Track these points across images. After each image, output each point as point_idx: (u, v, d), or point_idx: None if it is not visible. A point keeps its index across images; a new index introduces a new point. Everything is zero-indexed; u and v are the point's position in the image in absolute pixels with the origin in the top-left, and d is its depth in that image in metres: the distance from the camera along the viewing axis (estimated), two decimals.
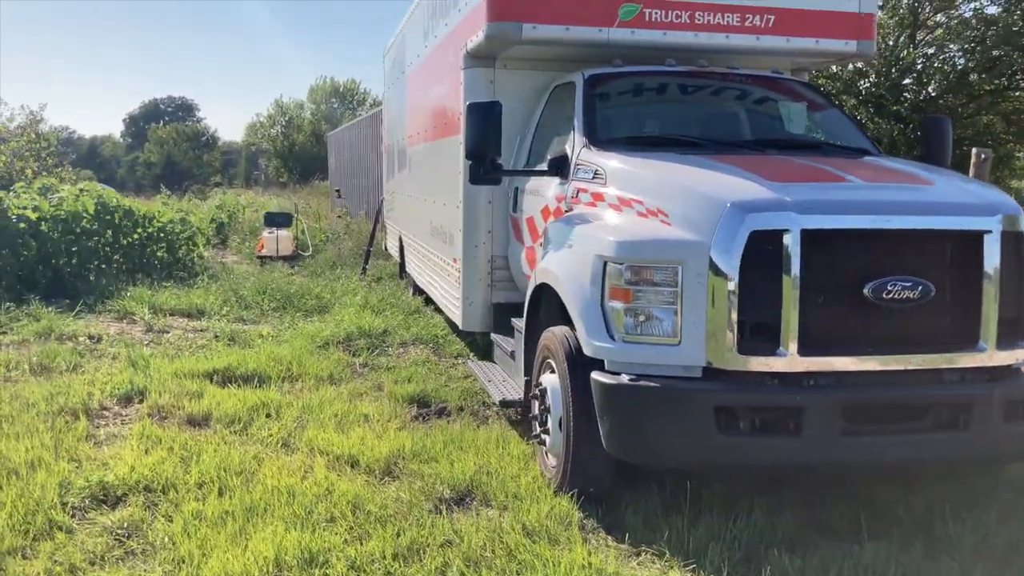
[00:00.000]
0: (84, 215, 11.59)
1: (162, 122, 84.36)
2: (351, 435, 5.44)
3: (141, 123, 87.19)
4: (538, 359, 4.97)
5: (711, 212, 3.94)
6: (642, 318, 4.03)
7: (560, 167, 5.32)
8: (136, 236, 12.58)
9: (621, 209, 4.53)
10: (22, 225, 10.18)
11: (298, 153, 57.75)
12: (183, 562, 3.70)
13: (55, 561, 3.66)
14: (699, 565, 3.75)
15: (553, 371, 4.70)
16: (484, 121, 5.27)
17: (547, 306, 5.12)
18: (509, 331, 6.44)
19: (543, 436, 4.76)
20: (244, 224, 19.83)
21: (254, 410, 5.95)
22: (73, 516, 4.16)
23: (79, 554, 3.74)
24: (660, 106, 5.82)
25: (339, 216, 17.88)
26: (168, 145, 74.57)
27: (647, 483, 4.57)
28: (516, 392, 5.64)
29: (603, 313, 4.13)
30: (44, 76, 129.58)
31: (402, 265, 11.93)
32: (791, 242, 3.81)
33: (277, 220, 15.24)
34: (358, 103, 58.84)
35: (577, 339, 4.41)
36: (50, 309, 9.22)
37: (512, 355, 5.93)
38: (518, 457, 5.09)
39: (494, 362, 6.58)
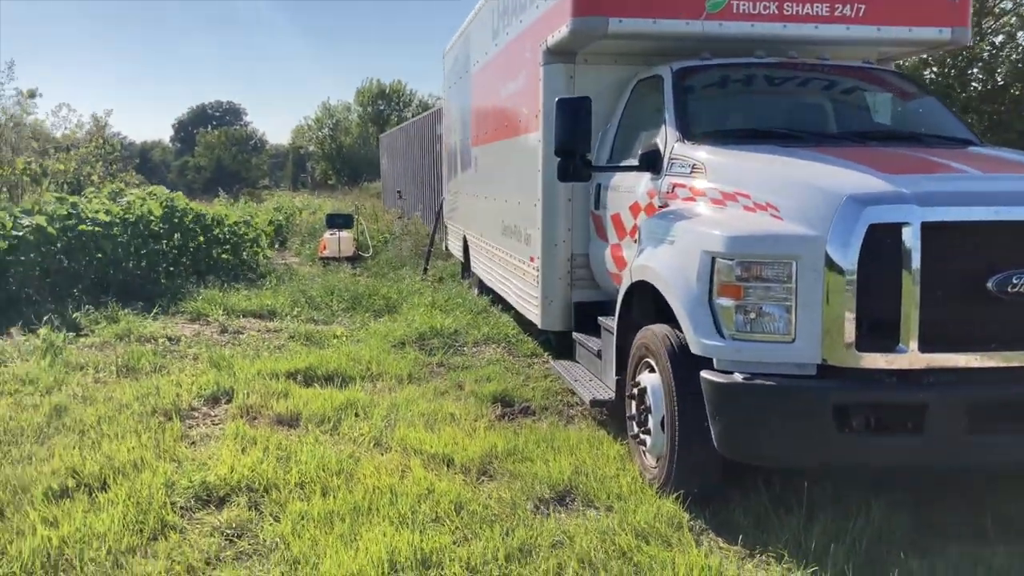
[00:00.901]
0: (152, 218, 11.77)
1: (210, 127, 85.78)
2: (441, 434, 5.42)
3: (190, 128, 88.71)
4: (633, 358, 4.90)
5: (827, 205, 3.84)
6: (753, 315, 3.94)
7: (652, 162, 5.24)
8: (202, 239, 12.75)
9: (725, 204, 4.43)
10: (96, 229, 10.35)
11: (345, 155, 58.31)
12: (298, 563, 3.69)
13: (173, 560, 3.68)
14: (821, 568, 3.65)
15: (652, 370, 4.63)
16: (574, 117, 5.21)
17: (641, 304, 5.05)
18: (591, 330, 6.39)
19: (643, 436, 4.69)
20: (301, 226, 20.00)
21: (342, 409, 5.97)
22: (182, 516, 4.18)
23: (195, 554, 3.76)
24: (752, 98, 5.71)
25: (399, 216, 17.93)
26: (217, 149, 75.77)
27: (753, 482, 4.47)
28: (605, 391, 5.57)
29: (711, 310, 4.04)
30: (94, 85, 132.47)
31: (465, 265, 11.93)
32: (911, 235, 3.69)
33: (338, 221, 15.34)
34: (404, 104, 59.08)
35: (680, 337, 4.34)
36: (126, 311, 9.35)
37: (599, 354, 5.86)
38: (613, 457, 5.02)
39: (576, 361, 6.51)
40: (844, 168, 4.12)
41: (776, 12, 5.76)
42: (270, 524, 4.10)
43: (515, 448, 5.17)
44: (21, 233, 9.57)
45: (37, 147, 13.47)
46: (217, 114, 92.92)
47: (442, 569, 3.65)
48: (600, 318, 5.84)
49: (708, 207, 4.53)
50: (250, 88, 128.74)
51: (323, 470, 4.74)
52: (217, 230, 13.07)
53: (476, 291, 11.12)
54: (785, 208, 4.05)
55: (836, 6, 5.80)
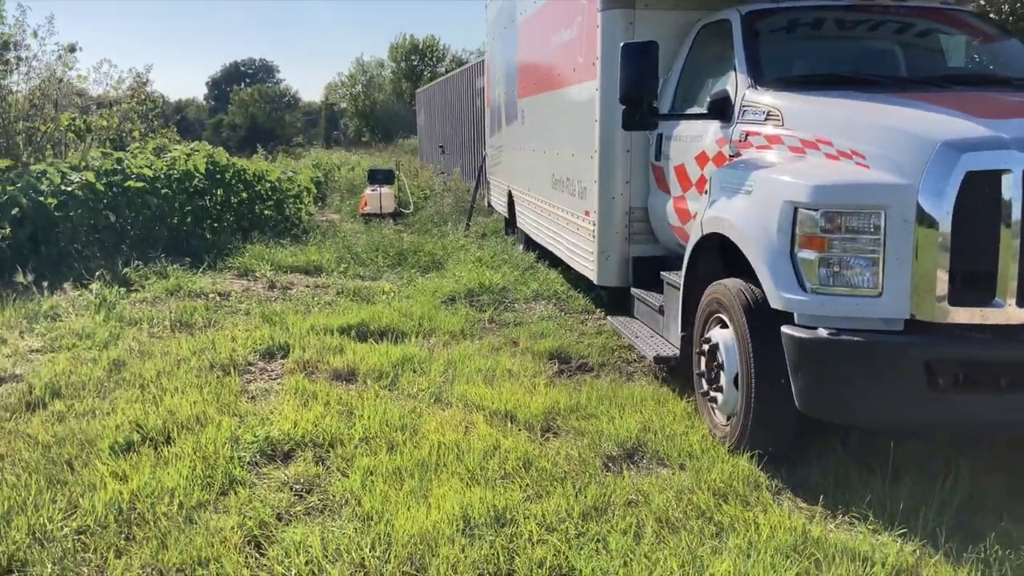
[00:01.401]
0: (196, 174, 11.73)
1: (243, 84, 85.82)
2: (501, 390, 5.33)
3: (223, 86, 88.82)
4: (703, 314, 4.75)
5: (919, 152, 3.64)
6: (838, 268, 3.77)
7: (721, 110, 5.04)
8: (245, 195, 12.71)
9: (805, 152, 4.24)
10: (142, 185, 10.32)
11: (379, 112, 58.04)
12: (370, 519, 3.63)
13: (245, 516, 3.64)
14: (910, 530, 3.52)
15: (725, 326, 4.48)
16: (640, 62, 5.02)
17: (709, 257, 4.89)
18: (650, 285, 6.24)
19: (713, 393, 4.56)
20: (340, 182, 19.92)
21: (399, 365, 5.90)
22: (249, 471, 4.14)
23: (265, 509, 3.71)
24: (825, 43, 5.46)
25: (441, 172, 17.77)
26: (251, 107, 75.80)
27: (828, 441, 4.34)
28: (669, 348, 5.44)
29: (793, 263, 3.88)
30: (125, 42, 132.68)
31: (510, 221, 11.79)
32: (1012, 184, 3.49)
33: (379, 177, 15.23)
34: (437, 60, 58.53)
35: (756, 291, 4.19)
36: (175, 267, 9.35)
37: (660, 310, 5.72)
38: (680, 415, 4.91)
39: (634, 317, 6.38)
40: (936, 113, 3.91)
41: None
42: (338, 479, 4.04)
43: (578, 405, 5.07)
44: (71, 189, 9.55)
45: (80, 103, 13.45)
46: (250, 71, 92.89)
47: (517, 526, 3.56)
48: (663, 273, 5.68)
49: (786, 155, 4.34)
50: (283, 45, 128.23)
51: (386, 425, 4.67)
52: (259, 186, 13.02)
53: (521, 247, 10.99)
54: (872, 156, 3.85)
55: None
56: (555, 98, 8.07)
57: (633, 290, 6.36)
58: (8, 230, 8.75)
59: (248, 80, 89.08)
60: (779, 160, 4.31)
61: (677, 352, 5.28)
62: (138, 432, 4.50)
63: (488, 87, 13.27)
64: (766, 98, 4.70)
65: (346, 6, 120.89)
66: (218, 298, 8.15)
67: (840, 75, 4.88)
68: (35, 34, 12.35)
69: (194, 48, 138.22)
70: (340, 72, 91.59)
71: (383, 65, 60.23)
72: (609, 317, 6.57)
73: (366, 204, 15.04)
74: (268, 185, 13.10)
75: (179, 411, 4.81)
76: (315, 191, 14.89)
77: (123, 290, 8.22)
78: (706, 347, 4.64)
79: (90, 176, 9.88)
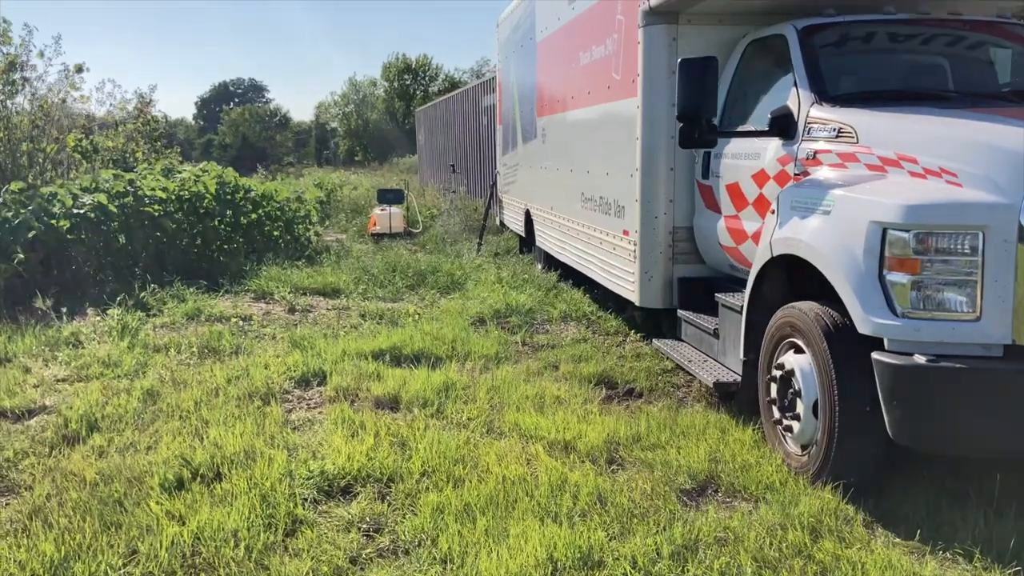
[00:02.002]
0: (207, 195, 11.52)
1: (232, 104, 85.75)
2: (555, 418, 5.14)
3: (212, 105, 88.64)
4: (771, 338, 4.57)
5: (1019, 170, 3.49)
6: (931, 291, 3.61)
7: (783, 127, 4.88)
8: (254, 216, 12.48)
9: (885, 170, 4.08)
10: (156, 207, 10.11)
11: (372, 131, 57.99)
12: (450, 561, 3.43)
13: (318, 560, 3.42)
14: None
15: (800, 351, 4.30)
16: (699, 79, 4.88)
17: (773, 280, 4.72)
18: (695, 306, 6.07)
19: (788, 422, 4.38)
20: (343, 202, 19.72)
21: (442, 391, 5.70)
22: (310, 509, 3.93)
23: (337, 552, 3.49)
24: (887, 57, 5.31)
25: (452, 190, 17.59)
26: (242, 126, 75.68)
27: (910, 469, 4.16)
28: (727, 373, 5.26)
29: (882, 286, 3.71)
30: (117, 62, 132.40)
31: (526, 239, 11.62)
32: None
33: (389, 197, 15.04)
34: (430, 79, 58.59)
35: (835, 315, 4.02)
36: (191, 290, 9.13)
37: (715, 333, 5.54)
38: (747, 443, 4.72)
39: (681, 340, 6.20)
40: None
41: None
42: (406, 518, 3.83)
43: (638, 434, 4.88)
44: (83, 211, 9.33)
45: (86, 124, 13.21)
46: (239, 91, 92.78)
47: (607, 568, 3.37)
48: (717, 295, 5.51)
49: (865, 174, 4.17)
50: (272, 65, 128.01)
51: (443, 458, 4.46)
52: (268, 207, 12.80)
53: (540, 266, 10.83)
54: (965, 174, 3.69)
55: None
56: (585, 116, 7.92)
57: (680, 312, 6.18)
58: (21, 254, 8.51)
59: (237, 100, 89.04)
60: (858, 178, 4.14)
61: (738, 377, 5.10)
62: (187, 468, 4.28)
63: (500, 105, 13.13)
64: (836, 115, 4.55)
65: (336, 27, 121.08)
66: (241, 322, 7.93)
67: (909, 90, 4.75)
68: (41, 54, 12.11)
69: (182, 68, 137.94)
70: (332, 91, 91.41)
71: (376, 84, 60.24)
72: (655, 340, 6.38)
73: (375, 224, 14.85)
74: (277, 206, 12.89)
75: (226, 445, 4.59)
76: (321, 211, 14.67)
77: (142, 315, 7.99)
78: (778, 373, 4.46)
79: (102, 198, 9.66)
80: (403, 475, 4.28)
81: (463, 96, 19.22)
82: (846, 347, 3.92)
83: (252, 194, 12.32)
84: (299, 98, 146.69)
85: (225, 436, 4.71)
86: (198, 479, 4.19)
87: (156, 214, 10.24)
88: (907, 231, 3.61)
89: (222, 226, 11.83)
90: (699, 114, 4.90)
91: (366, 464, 4.38)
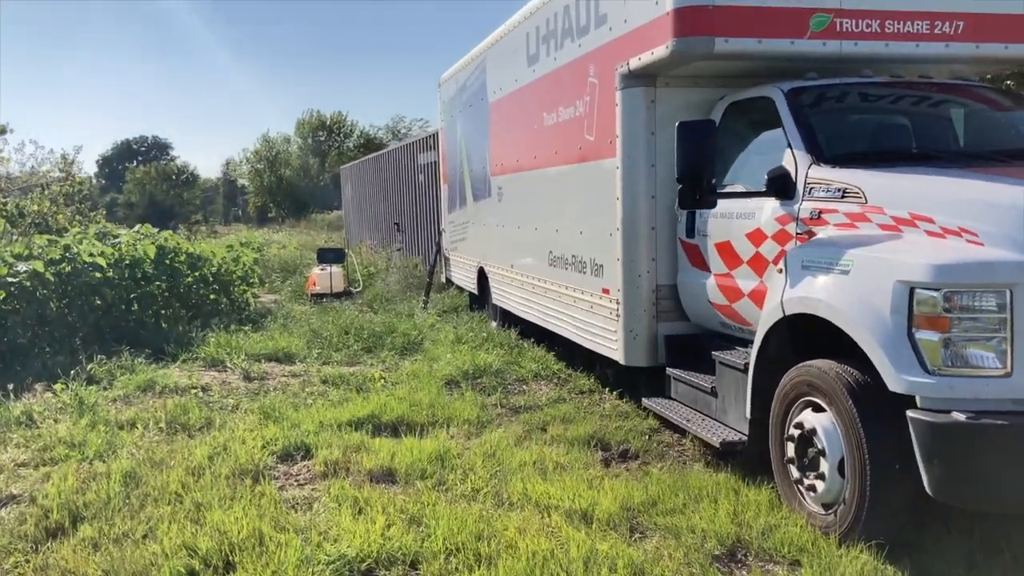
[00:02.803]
0: (145, 260, 11.08)
1: (135, 162, 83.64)
2: (563, 485, 5.02)
3: (115, 164, 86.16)
4: (784, 396, 4.58)
5: None
6: (962, 348, 3.67)
7: (781, 187, 4.96)
8: (190, 279, 12.06)
9: (900, 229, 4.17)
10: (96, 274, 9.64)
11: (286, 187, 57.18)
12: None
13: None
14: None
15: (818, 409, 4.32)
16: (699, 141, 4.94)
17: (778, 338, 4.75)
18: (687, 364, 6.08)
19: (810, 481, 4.37)
20: (273, 261, 19.26)
21: (436, 461, 5.52)
22: None
23: None
24: (875, 118, 5.50)
25: (398, 248, 17.37)
26: (148, 185, 73.72)
27: (938, 525, 4.19)
28: (731, 433, 5.25)
29: (912, 345, 3.76)
30: (8, 116, 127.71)
31: (479, 297, 11.53)
32: None
33: (329, 256, 14.75)
34: (345, 135, 58.36)
35: (857, 373, 4.07)
36: (139, 359, 8.70)
37: (712, 391, 5.54)
38: (764, 504, 4.69)
39: (671, 398, 6.17)
40: None
41: (878, 30, 5.58)
42: None
43: (653, 499, 4.80)
44: (17, 279, 8.82)
45: (5, 187, 12.59)
46: (143, 149, 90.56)
47: None
48: (715, 353, 5.52)
49: (879, 233, 4.26)
50: (175, 122, 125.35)
51: (464, 534, 4.28)
52: (204, 269, 12.38)
53: (495, 323, 10.73)
54: (985, 233, 3.80)
55: (936, 23, 5.65)
56: (552, 175, 7.94)
57: (670, 370, 6.17)
58: None
59: (141, 158, 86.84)
60: (873, 238, 4.22)
61: (744, 437, 5.09)
62: (193, 558, 3.99)
63: (444, 163, 13.11)
64: (839, 175, 4.65)
65: (243, 83, 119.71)
66: (201, 393, 7.56)
67: (903, 150, 4.90)
68: None
69: (81, 127, 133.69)
70: (244, 148, 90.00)
71: (289, 141, 59.55)
72: (645, 400, 6.34)
73: (315, 284, 14.53)
74: (214, 268, 12.48)
75: (230, 530, 4.29)
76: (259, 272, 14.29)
77: (92, 388, 7.54)
78: (796, 432, 4.46)
79: (38, 265, 9.16)
80: (427, 556, 4.08)
81: (397, 153, 19.15)
82: (874, 405, 3.96)
83: (190, 257, 11.90)
84: (205, 155, 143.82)
85: (226, 521, 4.41)
86: (210, 570, 3.91)
87: (95, 281, 9.77)
88: (936, 290, 3.67)
89: (159, 291, 11.38)
90: (700, 176, 4.95)
91: (384, 545, 4.16)
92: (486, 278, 10.82)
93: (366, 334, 10.16)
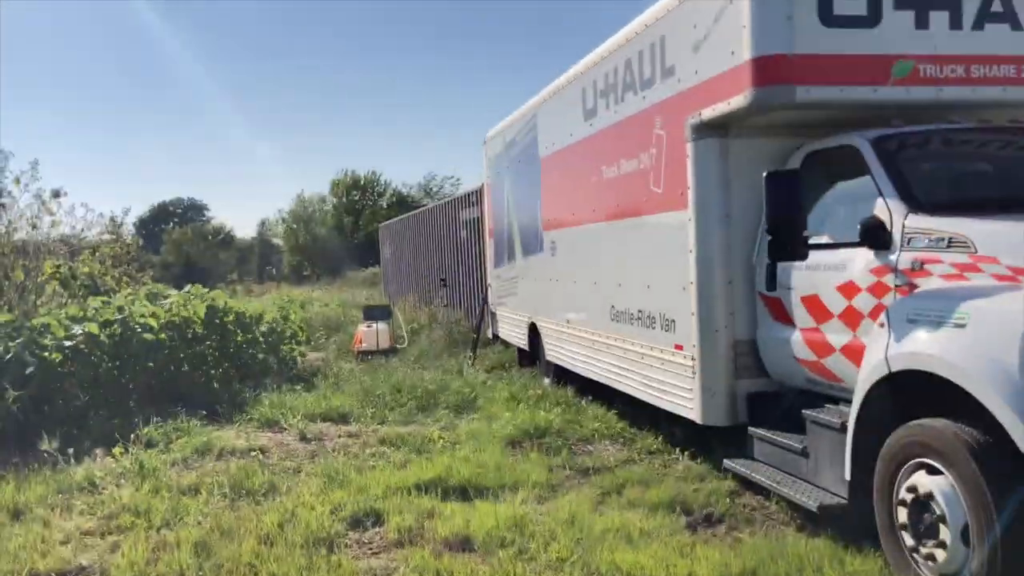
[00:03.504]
0: (195, 320, 11.05)
1: (171, 224, 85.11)
2: (653, 554, 4.77)
3: (151, 226, 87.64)
4: (892, 457, 4.32)
5: None
6: None
7: (875, 237, 4.76)
8: (240, 339, 12.00)
9: (1020, 280, 3.95)
10: (148, 336, 9.60)
11: (320, 246, 57.75)
12: None
13: None
14: None
15: (933, 471, 4.06)
16: (787, 192, 4.81)
17: (881, 396, 4.51)
18: (771, 423, 5.82)
19: (928, 550, 4.08)
20: (315, 320, 19.24)
21: (515, 528, 5.29)
22: None
23: None
24: (965, 164, 5.31)
25: (445, 304, 17.30)
26: (185, 245, 74.92)
27: None
28: (828, 496, 4.97)
29: None
30: (52, 182, 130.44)
31: (530, 353, 11.35)
32: None
33: (375, 314, 14.69)
34: (379, 194, 59.01)
35: (977, 433, 3.82)
36: (194, 421, 8.58)
37: (803, 452, 5.28)
38: (871, 574, 4.40)
39: (755, 459, 5.90)
40: None
41: (963, 75, 5.42)
42: None
43: (752, 569, 4.53)
44: (73, 342, 8.78)
45: (62, 250, 12.71)
46: (179, 211, 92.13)
47: None
48: (806, 411, 5.27)
49: (995, 285, 4.04)
50: (209, 183, 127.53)
51: None
52: (254, 329, 12.33)
53: (548, 380, 10.51)
54: None
55: (1023, 67, 5.49)
56: (614, 229, 7.80)
57: (752, 429, 5.91)
58: (13, 391, 7.90)
59: (177, 220, 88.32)
60: (990, 289, 4.00)
61: (843, 500, 4.82)
62: None
63: (490, 219, 13.05)
64: (942, 224, 4.45)
65: (275, 144, 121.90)
66: (260, 456, 7.41)
67: (1004, 197, 4.70)
68: (18, 181, 11.69)
69: (118, 192, 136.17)
70: (280, 208, 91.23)
71: (324, 200, 60.30)
72: (727, 461, 6.07)
73: (361, 341, 14.43)
74: (264, 328, 12.43)
75: None
76: (307, 331, 14.24)
77: (151, 451, 7.42)
78: (909, 496, 4.19)
79: (93, 328, 9.14)
80: None
81: (438, 210, 19.20)
82: (1001, 468, 3.70)
83: (240, 317, 11.86)
84: (239, 214, 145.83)
85: None
86: None
87: (147, 343, 9.72)
88: None
89: (210, 351, 11.32)
90: (790, 227, 4.78)
91: None
92: (538, 334, 10.64)
93: (419, 392, 9.98)
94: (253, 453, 7.49)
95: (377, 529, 5.47)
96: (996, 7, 5.42)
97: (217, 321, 11.45)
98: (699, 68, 6.06)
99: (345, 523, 5.56)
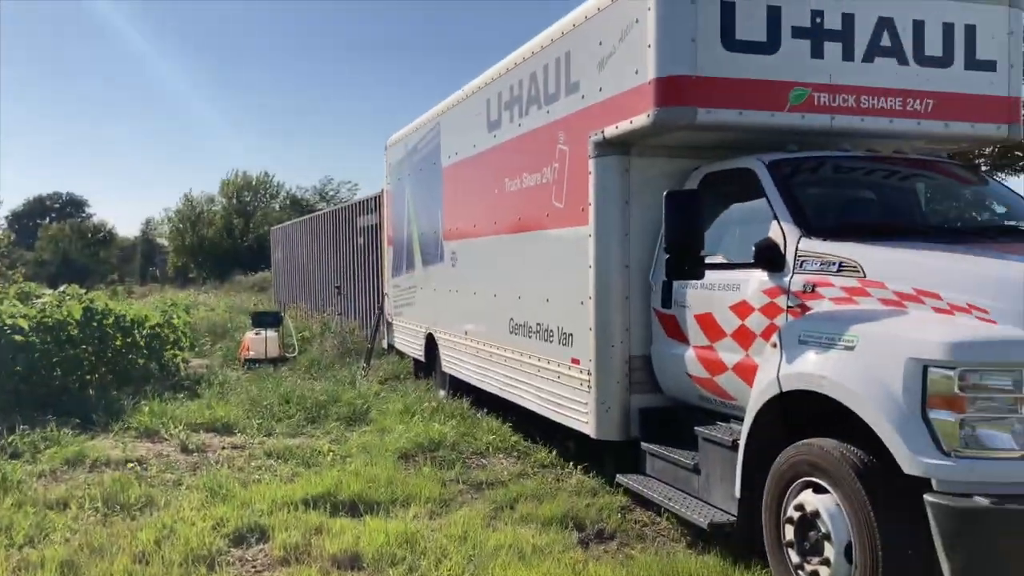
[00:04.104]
0: (71, 322, 10.45)
1: (48, 219, 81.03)
2: (547, 573, 4.72)
3: (25, 220, 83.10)
4: (781, 476, 4.41)
5: None
6: (979, 429, 3.56)
7: (770, 259, 4.87)
8: (119, 343, 11.42)
9: (904, 305, 4.09)
10: (17, 337, 9.01)
11: (208, 248, 55.92)
12: None
13: None
14: None
15: (819, 490, 4.15)
16: (687, 212, 4.85)
17: (772, 415, 4.60)
18: (662, 439, 5.89)
19: (812, 567, 4.17)
20: (201, 325, 18.53)
21: (405, 545, 5.16)
22: None
23: None
24: (855, 191, 5.50)
25: (340, 313, 16.90)
26: (63, 243, 71.33)
27: None
28: (719, 513, 5.03)
29: (927, 425, 3.63)
30: None
31: (426, 364, 11.20)
32: None
33: (266, 320, 14.22)
34: (271, 196, 57.62)
35: (861, 453, 3.93)
36: (66, 430, 8.09)
37: (695, 469, 5.34)
38: None
39: (647, 475, 5.95)
40: None
41: (854, 105, 5.62)
42: None
43: None
44: None
45: None
46: (56, 206, 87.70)
47: None
48: (698, 428, 5.34)
49: (882, 308, 4.17)
50: (92, 178, 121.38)
51: None
52: (136, 333, 11.75)
53: (444, 392, 10.39)
54: (997, 310, 3.73)
55: (908, 101, 5.73)
56: (516, 242, 7.76)
57: (645, 445, 5.96)
58: None
59: (54, 215, 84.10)
60: (877, 313, 4.13)
61: (733, 517, 4.89)
62: None
63: (389, 227, 12.87)
64: (834, 248, 4.56)
65: (163, 141, 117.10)
66: (138, 467, 7.02)
67: (893, 224, 4.88)
68: None
69: None
70: (166, 208, 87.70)
71: (213, 200, 58.40)
72: (620, 476, 6.10)
73: (249, 349, 13.95)
74: (146, 332, 11.87)
75: None
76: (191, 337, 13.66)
77: (15, 462, 6.93)
78: (796, 514, 4.28)
79: None
80: None
81: (335, 215, 18.82)
82: (884, 488, 3.81)
83: (121, 320, 11.28)
84: (122, 212, 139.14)
85: None
86: None
87: (15, 344, 9.13)
88: (952, 368, 3.57)
89: (86, 355, 10.73)
90: (689, 246, 4.83)
91: None
92: (435, 344, 10.52)
93: (309, 403, 9.70)
94: (130, 464, 7.10)
95: (262, 546, 5.25)
96: (885, 42, 5.64)
97: (95, 324, 10.86)
98: (603, 85, 6.10)
99: (228, 539, 5.31)
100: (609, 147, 6.11)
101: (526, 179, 7.51)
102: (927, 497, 3.59)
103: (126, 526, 5.43)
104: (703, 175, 5.84)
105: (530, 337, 7.45)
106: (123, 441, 8.04)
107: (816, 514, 4.14)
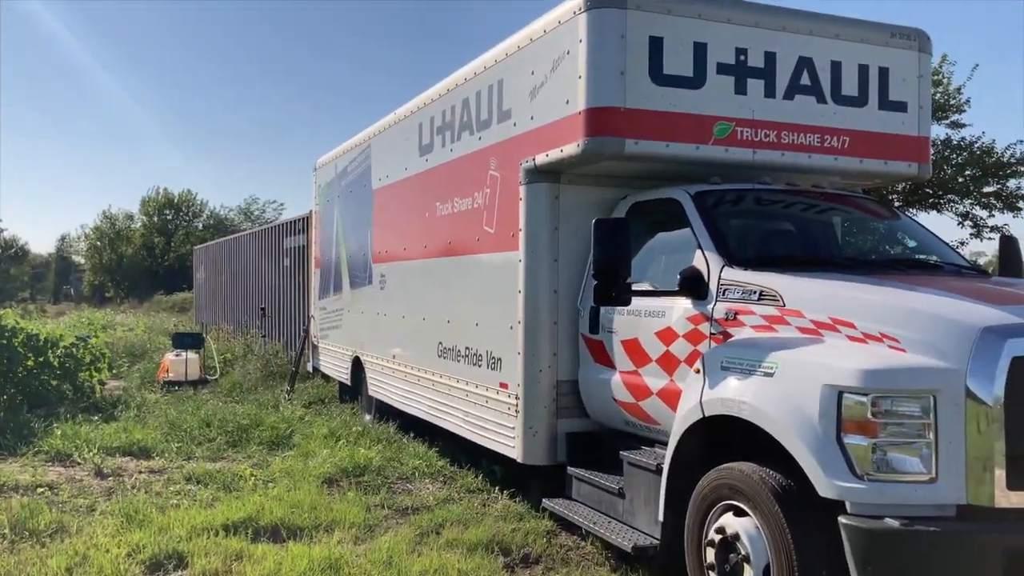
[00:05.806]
0: None
1: None
2: None
3: None
4: (703, 499, 4.50)
5: (961, 337, 3.73)
6: (890, 453, 3.71)
7: (693, 287, 4.99)
8: (31, 363, 11.01)
9: (820, 333, 4.24)
10: None
11: (126, 267, 54.37)
12: None
13: None
14: None
15: (740, 513, 4.26)
16: (615, 238, 4.94)
17: (696, 439, 4.70)
18: (588, 463, 5.95)
19: None
20: (118, 345, 17.98)
21: (329, 570, 5.12)
22: None
23: None
24: (777, 223, 5.69)
25: (264, 335, 16.56)
26: None
27: None
28: (642, 536, 5.10)
29: (842, 450, 3.77)
30: None
31: (352, 387, 11.08)
32: None
33: (187, 341, 13.88)
34: (194, 215, 56.39)
35: (780, 477, 4.04)
36: None
37: (619, 493, 5.41)
38: None
39: (573, 499, 5.99)
40: (954, 299, 4.08)
41: (775, 140, 5.84)
42: None
43: None
44: None
45: None
46: None
47: None
48: (623, 452, 5.41)
49: (799, 337, 4.31)
50: (5, 192, 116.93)
51: None
52: (49, 352, 11.34)
53: (369, 416, 10.30)
54: (907, 339, 3.90)
55: (826, 138, 5.98)
56: (445, 266, 7.78)
57: (571, 469, 6.01)
58: None
59: None
60: (795, 341, 4.27)
61: (656, 541, 4.96)
62: None
63: (317, 248, 12.75)
64: (754, 278, 4.71)
65: (81, 156, 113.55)
66: (48, 492, 6.77)
67: (812, 255, 5.06)
68: None
69: None
70: (83, 224, 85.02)
71: (133, 218, 56.88)
72: (546, 500, 6.12)
73: (168, 370, 13.59)
74: (61, 351, 11.47)
75: None
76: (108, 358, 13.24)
77: None
78: (717, 537, 4.37)
79: None
80: None
81: (260, 235, 18.53)
82: (801, 510, 3.92)
83: (32, 339, 10.88)
84: (35, 228, 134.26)
85: None
86: None
87: None
88: (865, 395, 3.72)
89: None
90: (616, 273, 4.92)
91: None
92: (362, 368, 10.42)
93: (230, 426, 9.50)
94: (40, 489, 6.84)
95: (180, 573, 5.12)
96: (805, 80, 5.88)
97: (4, 342, 10.46)
98: (535, 114, 6.19)
99: (144, 566, 5.17)
100: (540, 174, 6.20)
101: (457, 204, 7.55)
102: (841, 519, 3.72)
103: (35, 553, 5.23)
104: (631, 204, 5.97)
105: (459, 361, 7.45)
106: (33, 465, 7.75)
107: (736, 536, 4.23)
